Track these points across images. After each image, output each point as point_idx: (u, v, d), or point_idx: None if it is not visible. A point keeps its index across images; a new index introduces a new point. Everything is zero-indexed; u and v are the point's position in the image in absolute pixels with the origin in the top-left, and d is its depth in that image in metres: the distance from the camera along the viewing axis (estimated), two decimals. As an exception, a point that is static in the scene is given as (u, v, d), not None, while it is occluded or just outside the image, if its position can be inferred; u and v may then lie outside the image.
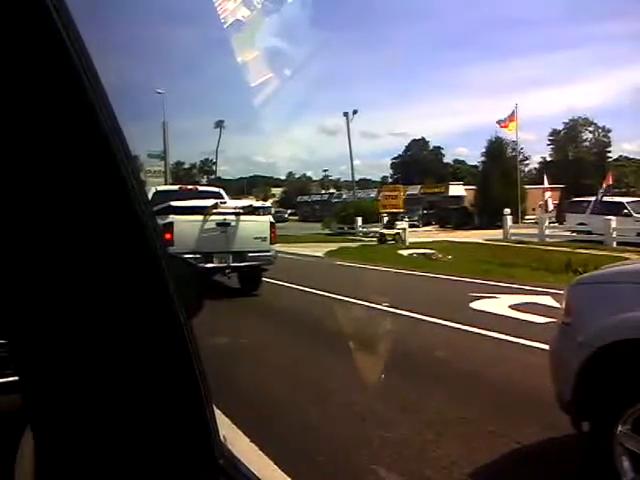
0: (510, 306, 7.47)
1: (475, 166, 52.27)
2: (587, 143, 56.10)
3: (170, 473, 0.58)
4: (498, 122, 31.13)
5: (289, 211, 56.86)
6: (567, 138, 55.63)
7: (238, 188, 65.10)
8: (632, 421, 2.39)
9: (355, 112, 42.84)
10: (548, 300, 7.50)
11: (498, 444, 3.23)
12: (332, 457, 3.16)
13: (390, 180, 64.65)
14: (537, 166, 58.70)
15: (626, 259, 8.30)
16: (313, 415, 3.85)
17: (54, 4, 0.48)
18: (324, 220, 34.69)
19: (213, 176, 71.50)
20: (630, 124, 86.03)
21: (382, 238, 22.13)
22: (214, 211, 8.61)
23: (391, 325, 6.57)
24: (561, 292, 3.75)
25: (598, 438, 2.51)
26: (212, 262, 8.58)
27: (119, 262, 0.53)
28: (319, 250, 18.25)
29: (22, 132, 0.48)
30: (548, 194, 26.91)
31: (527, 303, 7.62)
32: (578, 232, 20.12)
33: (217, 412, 0.67)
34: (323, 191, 67.97)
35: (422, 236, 23.75)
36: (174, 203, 8.24)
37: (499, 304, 7.71)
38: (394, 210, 25.06)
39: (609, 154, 55.43)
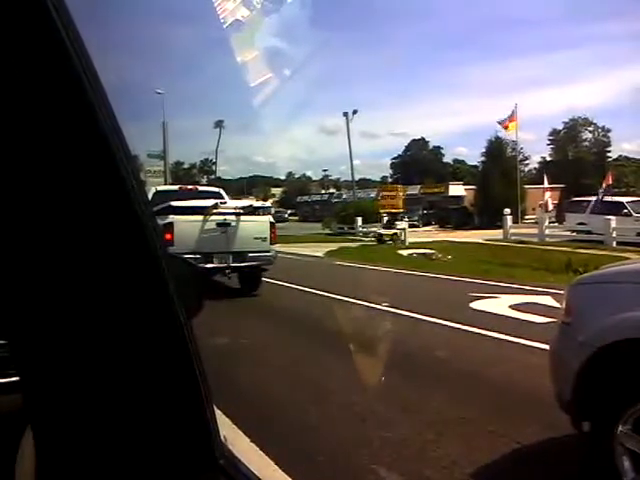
0: (510, 306, 7.47)
1: (475, 166, 52.31)
2: (587, 143, 56.11)
3: (170, 473, 0.58)
4: (500, 123, 31.15)
5: (289, 211, 56.86)
6: (567, 138, 55.65)
7: (238, 188, 65.08)
8: (632, 421, 2.39)
9: (355, 112, 42.89)
10: (548, 300, 7.50)
11: (498, 444, 3.23)
12: (332, 457, 3.16)
13: (390, 180, 64.62)
14: (537, 166, 58.74)
15: (626, 259, 8.29)
16: (313, 415, 3.85)
17: (53, 3, 0.48)
18: (324, 220, 34.68)
19: (213, 176, 71.53)
20: (630, 124, 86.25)
21: (380, 238, 22.12)
22: (214, 211, 8.61)
23: (391, 325, 6.56)
24: (561, 292, 3.75)
25: (598, 438, 2.51)
26: (212, 262, 8.58)
27: (119, 262, 0.53)
28: (319, 250, 18.25)
29: (21, 132, 0.48)
30: (548, 194, 26.90)
31: (527, 303, 7.62)
32: (578, 232, 20.12)
33: (217, 412, 0.67)
34: (323, 191, 67.94)
35: (422, 236, 23.76)
36: (174, 203, 8.24)
37: (499, 304, 7.71)
38: (393, 210, 25.06)
39: (609, 154, 55.48)
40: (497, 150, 35.66)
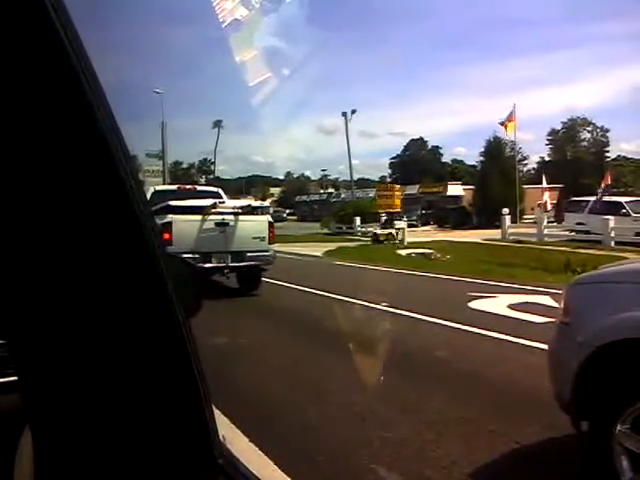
0: (509, 306, 7.47)
1: (473, 166, 52.30)
2: (585, 143, 56.08)
3: (169, 473, 0.58)
4: (501, 123, 31.16)
5: (287, 211, 56.84)
6: (566, 138, 55.62)
7: (236, 188, 65.03)
8: (631, 420, 2.40)
9: (354, 112, 42.93)
10: (547, 300, 7.50)
11: (498, 444, 3.23)
12: (332, 457, 3.16)
13: (389, 180, 64.59)
14: (535, 166, 58.68)
15: (625, 259, 8.30)
16: (313, 415, 3.85)
17: (52, 3, 0.47)
18: (323, 220, 34.66)
19: (211, 176, 71.52)
20: (628, 124, 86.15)
21: (376, 238, 22.10)
22: (213, 211, 8.62)
23: (390, 325, 6.57)
24: (560, 292, 3.75)
25: (597, 437, 2.51)
26: (211, 262, 8.58)
27: (118, 262, 0.53)
28: (318, 250, 18.24)
29: (20, 132, 0.48)
30: (546, 194, 26.91)
31: (526, 303, 7.62)
32: (577, 232, 20.14)
33: (216, 412, 0.67)
34: (322, 191, 67.83)
35: (421, 236, 23.74)
36: (173, 203, 8.24)
37: (498, 304, 7.71)
38: (391, 210, 25.04)
39: (607, 154, 55.46)
40: (496, 150, 35.65)
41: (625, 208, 20.08)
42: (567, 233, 20.92)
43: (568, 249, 15.26)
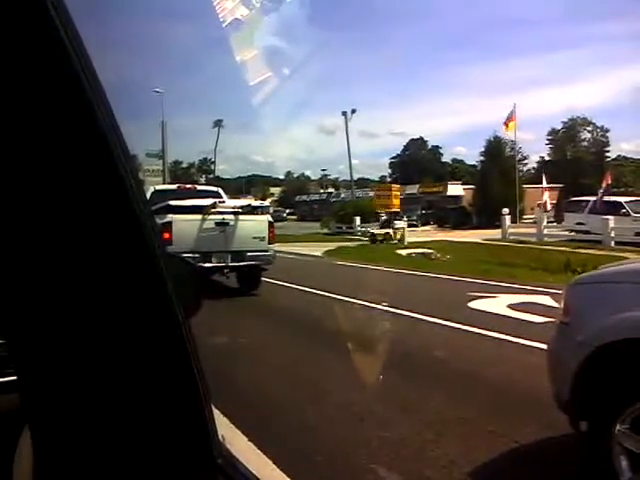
0: (509, 306, 7.47)
1: (474, 165, 52.32)
2: (585, 143, 56.05)
3: (169, 472, 0.58)
4: (505, 123, 31.15)
5: (288, 210, 56.85)
6: (566, 138, 55.59)
7: (236, 187, 64.99)
8: (630, 420, 2.40)
9: (354, 111, 42.98)
10: (547, 300, 7.50)
11: (497, 444, 3.23)
12: (331, 456, 3.16)
13: (389, 179, 64.58)
14: (536, 166, 58.65)
15: (625, 259, 8.30)
16: (312, 415, 3.85)
17: (52, 2, 0.47)
18: (322, 219, 34.66)
19: (212, 175, 71.47)
20: (628, 124, 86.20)
21: (373, 238, 22.08)
22: (213, 210, 8.62)
23: (390, 325, 6.57)
24: (560, 292, 3.75)
25: (596, 437, 2.51)
26: (211, 261, 8.58)
27: (117, 261, 0.53)
28: (318, 250, 18.24)
29: (19, 131, 0.48)
30: (546, 194, 26.91)
31: (526, 303, 7.62)
32: (577, 232, 20.14)
33: (215, 411, 0.67)
34: (322, 190, 67.80)
35: (421, 236, 23.74)
36: (173, 202, 8.24)
37: (498, 304, 7.71)
38: (389, 209, 25.02)
39: (607, 154, 55.43)
40: (496, 150, 35.64)
41: (625, 208, 20.08)
42: (567, 233, 20.91)
43: (568, 249, 15.25)
